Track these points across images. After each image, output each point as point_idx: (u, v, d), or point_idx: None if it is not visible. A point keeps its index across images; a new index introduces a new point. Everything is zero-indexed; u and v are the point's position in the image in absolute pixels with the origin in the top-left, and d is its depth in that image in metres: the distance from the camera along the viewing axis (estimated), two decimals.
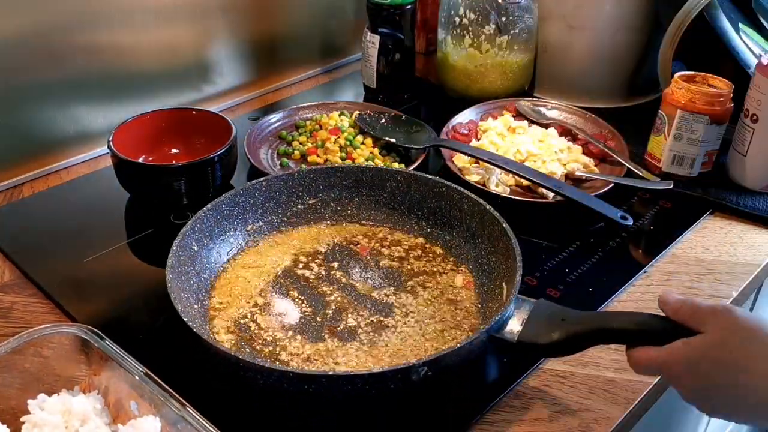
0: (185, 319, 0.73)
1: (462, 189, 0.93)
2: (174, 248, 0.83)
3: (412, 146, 1.15)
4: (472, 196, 0.92)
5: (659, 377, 0.79)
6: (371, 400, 0.73)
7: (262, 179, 0.96)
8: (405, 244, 0.96)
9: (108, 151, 1.01)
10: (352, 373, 0.72)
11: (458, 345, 0.71)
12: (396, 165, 1.13)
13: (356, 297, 0.87)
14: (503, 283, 0.83)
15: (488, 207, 0.90)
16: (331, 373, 0.72)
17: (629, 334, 0.69)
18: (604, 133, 1.20)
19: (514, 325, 0.76)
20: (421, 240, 0.97)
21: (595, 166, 1.14)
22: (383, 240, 0.96)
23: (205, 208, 0.90)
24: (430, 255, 0.94)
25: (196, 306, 0.82)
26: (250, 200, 0.95)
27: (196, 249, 0.87)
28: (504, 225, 0.86)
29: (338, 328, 0.82)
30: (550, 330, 0.74)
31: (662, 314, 0.69)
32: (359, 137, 1.17)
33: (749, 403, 0.62)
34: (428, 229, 0.97)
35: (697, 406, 0.66)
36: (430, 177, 0.96)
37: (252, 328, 0.82)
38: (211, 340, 0.72)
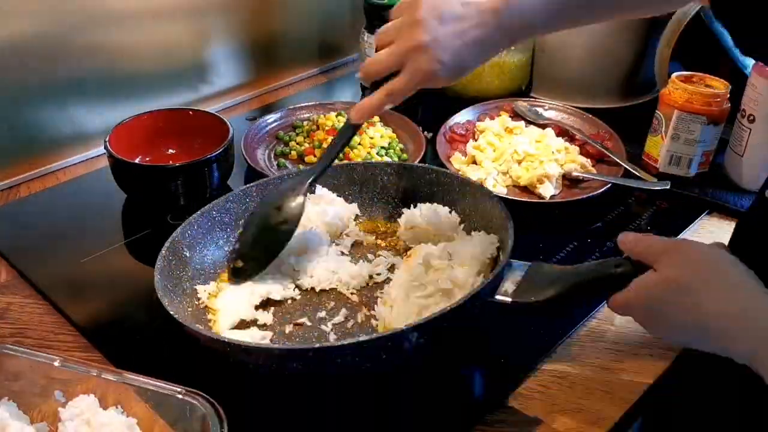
0: (171, 312, 0.73)
1: (451, 172, 0.93)
2: (163, 252, 0.82)
3: None
4: (463, 177, 0.92)
5: (657, 379, 0.79)
6: (366, 378, 0.73)
7: (252, 184, 0.95)
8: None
9: (105, 151, 1.01)
10: (340, 344, 0.70)
11: (448, 308, 0.70)
12: None
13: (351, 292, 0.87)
14: (500, 256, 0.83)
15: (476, 184, 0.90)
16: (317, 345, 0.71)
17: (628, 277, 0.68)
18: (602, 134, 1.20)
19: (509, 287, 0.75)
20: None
21: (593, 166, 1.14)
22: (378, 234, 0.96)
23: (195, 215, 0.89)
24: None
25: (189, 310, 0.82)
26: (242, 207, 0.93)
27: (188, 255, 0.87)
28: (495, 198, 0.87)
29: (333, 320, 0.82)
30: (545, 287, 0.74)
31: None
32: (356, 138, 1.17)
33: (690, 332, 0.64)
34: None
35: (649, 331, 0.69)
36: (420, 165, 0.96)
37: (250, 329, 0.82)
38: (196, 328, 0.73)
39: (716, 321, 0.60)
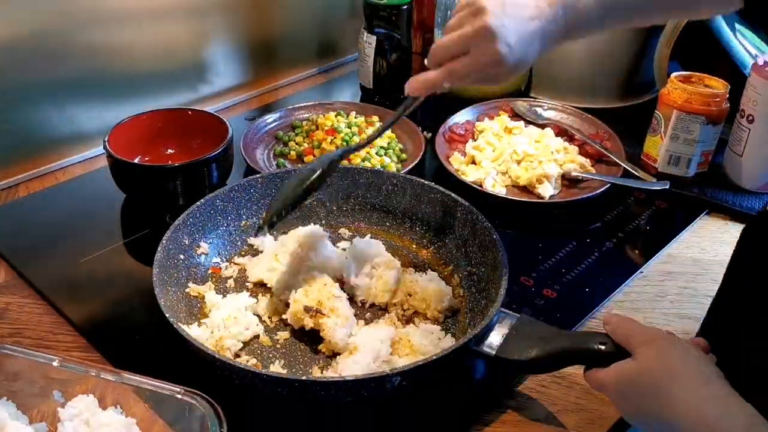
0: (167, 315, 0.74)
1: (456, 197, 0.92)
2: (164, 242, 0.83)
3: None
4: (466, 204, 0.91)
5: None
6: (346, 405, 0.74)
7: (258, 176, 0.96)
8: (398, 248, 0.96)
9: (104, 151, 1.00)
10: (324, 380, 0.72)
11: (434, 357, 0.71)
12: (392, 166, 1.13)
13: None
14: (490, 294, 0.82)
15: (480, 216, 0.88)
16: (304, 378, 0.72)
17: (612, 358, 0.67)
18: (601, 134, 1.20)
19: (495, 339, 0.75)
20: (414, 246, 0.96)
21: (592, 166, 1.14)
22: None
23: (198, 203, 0.90)
24: (423, 261, 0.94)
25: (184, 301, 0.83)
26: (246, 196, 0.95)
27: (187, 243, 0.88)
28: (494, 236, 0.85)
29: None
30: (528, 347, 0.73)
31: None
32: (356, 138, 1.17)
33: (657, 423, 0.63)
34: (421, 233, 0.96)
35: (626, 419, 0.68)
36: (426, 182, 0.95)
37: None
38: (191, 339, 0.73)
39: (685, 418, 0.60)
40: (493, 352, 0.74)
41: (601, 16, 0.78)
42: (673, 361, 0.63)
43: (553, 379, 0.80)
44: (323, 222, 0.98)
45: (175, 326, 0.74)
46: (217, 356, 0.71)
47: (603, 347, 0.68)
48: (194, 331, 0.80)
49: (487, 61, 0.76)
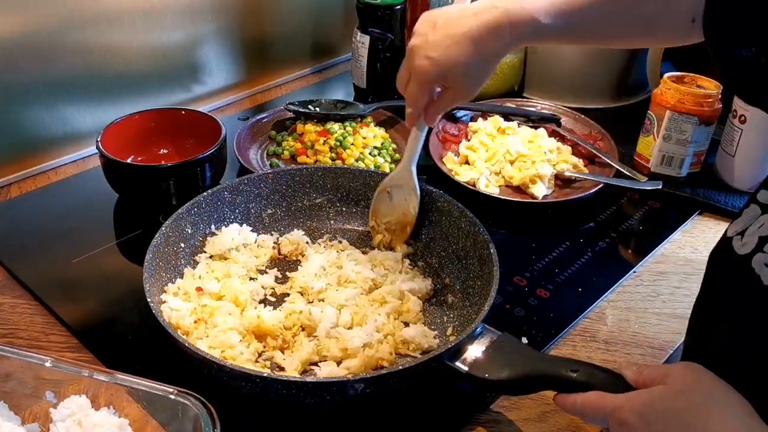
0: (148, 299, 0.75)
1: (462, 206, 0.91)
2: (163, 229, 0.84)
3: (353, 113, 1.22)
4: (471, 215, 0.89)
5: None
6: (313, 407, 0.74)
7: (269, 171, 0.97)
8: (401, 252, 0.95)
9: (96, 151, 1.00)
10: (285, 378, 0.71)
11: (400, 367, 0.70)
12: (386, 166, 1.13)
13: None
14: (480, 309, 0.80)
15: (482, 229, 0.87)
16: (266, 375, 0.71)
17: (584, 387, 0.64)
18: (594, 134, 1.20)
19: (470, 356, 0.73)
20: (418, 253, 0.95)
21: (585, 166, 1.14)
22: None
23: (204, 193, 0.91)
24: (423, 269, 0.93)
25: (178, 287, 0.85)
26: (255, 190, 0.96)
27: (190, 232, 0.89)
28: (491, 250, 0.83)
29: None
30: (502, 367, 0.71)
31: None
32: (349, 138, 1.17)
33: None
34: (426, 241, 0.95)
35: None
36: (435, 190, 0.94)
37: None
38: (165, 325, 0.74)
39: None
40: (465, 369, 0.72)
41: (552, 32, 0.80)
42: (714, 387, 0.58)
43: None
44: (332, 222, 0.99)
45: (152, 308, 0.74)
46: (183, 342, 0.71)
47: (574, 375, 0.65)
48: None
49: (417, 74, 0.82)
